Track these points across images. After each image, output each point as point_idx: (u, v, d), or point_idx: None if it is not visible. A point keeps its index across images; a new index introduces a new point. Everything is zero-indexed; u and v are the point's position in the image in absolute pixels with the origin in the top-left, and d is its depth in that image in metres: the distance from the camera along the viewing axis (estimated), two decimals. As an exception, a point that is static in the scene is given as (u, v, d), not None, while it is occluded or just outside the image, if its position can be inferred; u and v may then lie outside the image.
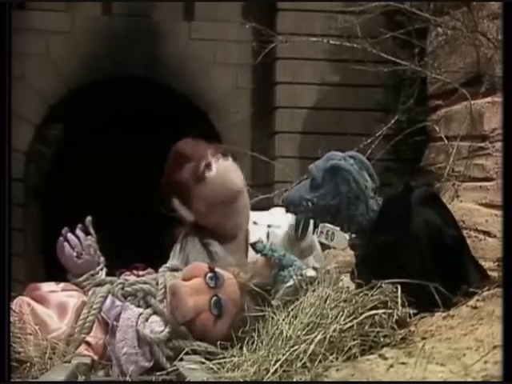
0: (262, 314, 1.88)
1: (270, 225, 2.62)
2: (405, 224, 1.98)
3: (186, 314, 2.06)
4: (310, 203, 2.19)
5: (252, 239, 2.57)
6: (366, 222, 2.11)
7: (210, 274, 2.09)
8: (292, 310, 1.81)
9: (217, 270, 2.12)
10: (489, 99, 3.90)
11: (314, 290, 1.85)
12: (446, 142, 4.16)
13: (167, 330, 2.10)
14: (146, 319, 2.13)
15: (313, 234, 2.50)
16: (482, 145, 3.90)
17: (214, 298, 2.06)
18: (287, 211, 2.29)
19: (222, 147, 2.72)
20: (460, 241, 2.07)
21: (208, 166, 2.55)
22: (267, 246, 2.22)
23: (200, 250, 2.57)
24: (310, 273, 2.10)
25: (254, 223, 2.68)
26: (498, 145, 3.75)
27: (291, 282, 2.04)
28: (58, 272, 2.47)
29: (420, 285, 1.79)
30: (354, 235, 2.18)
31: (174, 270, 2.36)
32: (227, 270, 2.16)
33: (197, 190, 2.55)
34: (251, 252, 2.51)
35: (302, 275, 2.05)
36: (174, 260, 2.61)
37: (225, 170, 2.57)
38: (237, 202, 2.59)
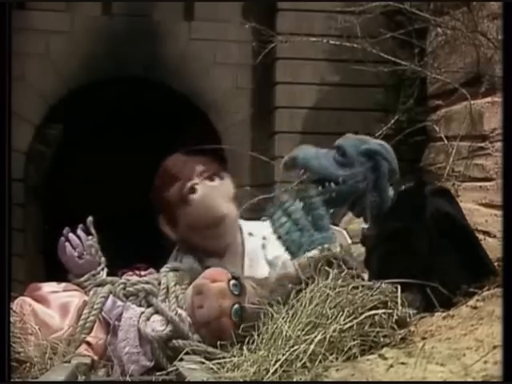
0: (260, 307, 1.87)
1: (264, 236, 2.59)
2: (418, 214, 1.97)
3: (210, 315, 2.06)
4: (332, 183, 2.10)
5: (247, 250, 2.57)
6: (384, 210, 2.08)
7: (233, 281, 2.09)
8: (292, 308, 1.81)
9: (240, 278, 2.12)
10: (489, 99, 3.90)
11: (311, 291, 1.84)
12: (446, 142, 4.17)
13: (169, 328, 2.10)
14: (148, 318, 2.13)
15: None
16: (482, 145, 3.90)
17: (236, 306, 2.06)
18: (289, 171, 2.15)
19: (214, 166, 2.66)
20: (472, 231, 2.08)
21: (192, 188, 2.52)
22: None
23: (195, 266, 2.55)
24: (335, 248, 2.03)
25: (250, 234, 2.66)
26: (498, 145, 3.75)
27: (315, 252, 1.99)
28: (58, 272, 2.47)
29: (434, 275, 1.78)
30: (367, 226, 2.14)
31: (176, 270, 2.37)
32: (246, 283, 2.16)
33: (180, 212, 2.53)
34: (259, 268, 2.51)
35: (329, 249, 1.98)
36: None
37: (209, 194, 2.53)
38: (220, 227, 2.55)
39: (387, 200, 2.14)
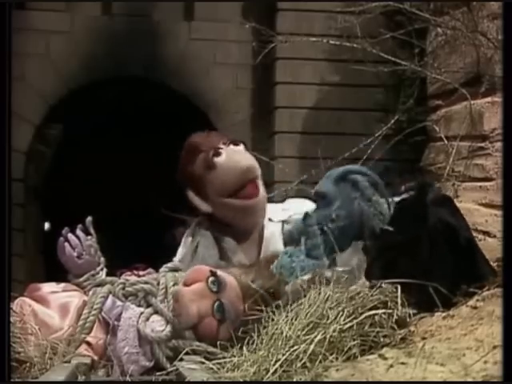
0: (262, 315, 1.88)
1: (284, 220, 2.57)
2: (420, 224, 1.97)
3: (189, 321, 2.06)
4: (329, 223, 2.12)
5: (266, 236, 2.55)
6: (382, 222, 2.08)
7: (211, 279, 2.09)
8: (292, 310, 1.81)
9: (219, 273, 2.11)
10: (489, 99, 3.90)
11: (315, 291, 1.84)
12: (446, 142, 4.17)
13: (168, 329, 2.10)
14: (147, 318, 2.13)
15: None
16: (482, 145, 3.90)
17: (217, 303, 2.06)
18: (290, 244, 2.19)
19: (234, 138, 2.67)
20: (473, 240, 2.09)
21: (217, 152, 2.52)
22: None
23: (211, 245, 2.54)
24: (328, 273, 2.07)
25: (269, 220, 2.63)
26: (498, 145, 3.76)
27: (308, 276, 2.02)
28: (58, 272, 2.47)
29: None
30: (367, 238, 2.14)
31: (175, 270, 2.36)
32: (229, 273, 2.15)
33: (208, 178, 2.51)
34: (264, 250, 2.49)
35: (321, 273, 2.00)
36: (183, 248, 2.59)
37: (234, 154, 2.53)
38: (254, 200, 2.54)
39: (383, 211, 2.14)
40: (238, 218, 2.54)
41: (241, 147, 2.58)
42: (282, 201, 2.80)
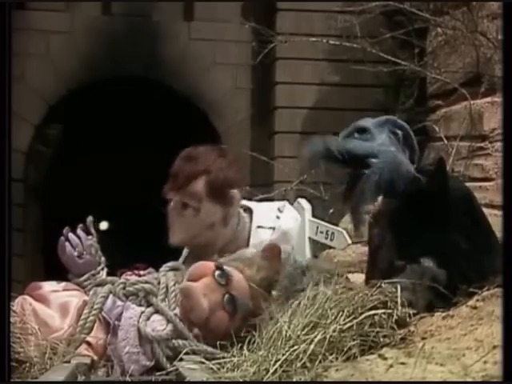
0: (264, 313, 1.88)
1: (274, 227, 2.56)
2: (444, 188, 2.00)
3: (201, 315, 2.05)
4: (372, 159, 2.05)
5: (253, 243, 2.53)
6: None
7: (218, 272, 2.09)
8: (291, 309, 1.81)
9: (224, 267, 2.12)
10: (488, 99, 3.91)
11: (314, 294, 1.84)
12: (446, 142, 4.17)
13: (169, 328, 2.10)
14: (148, 318, 2.13)
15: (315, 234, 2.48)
16: (482, 145, 3.91)
17: (227, 296, 2.06)
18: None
19: None
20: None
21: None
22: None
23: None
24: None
25: (259, 227, 2.61)
26: (498, 145, 3.76)
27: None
28: (57, 272, 2.47)
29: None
30: (385, 198, 2.08)
31: (175, 269, 2.36)
32: (232, 266, 2.16)
33: None
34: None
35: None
36: (181, 259, 2.60)
37: None
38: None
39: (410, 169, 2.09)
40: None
41: None
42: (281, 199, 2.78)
